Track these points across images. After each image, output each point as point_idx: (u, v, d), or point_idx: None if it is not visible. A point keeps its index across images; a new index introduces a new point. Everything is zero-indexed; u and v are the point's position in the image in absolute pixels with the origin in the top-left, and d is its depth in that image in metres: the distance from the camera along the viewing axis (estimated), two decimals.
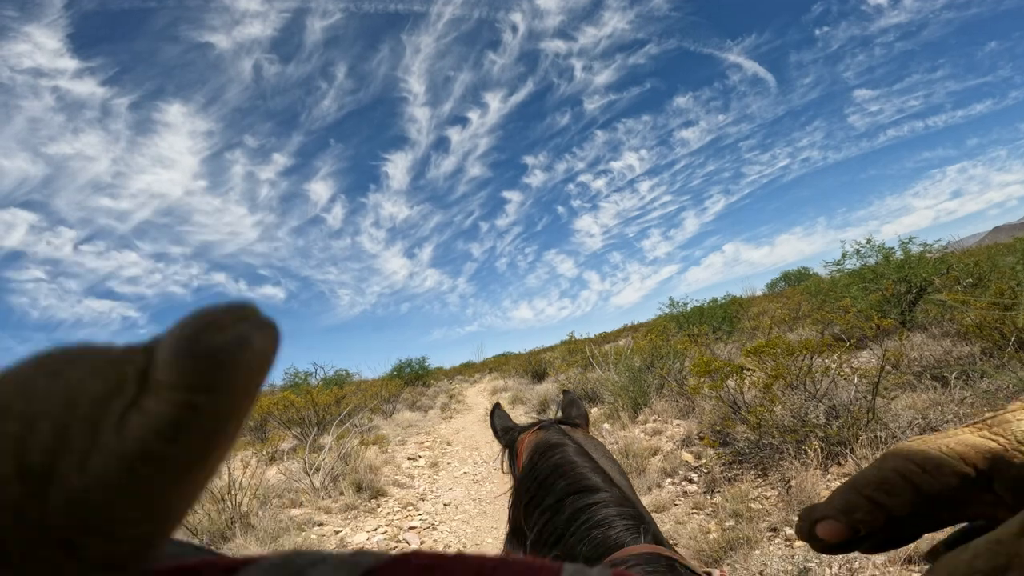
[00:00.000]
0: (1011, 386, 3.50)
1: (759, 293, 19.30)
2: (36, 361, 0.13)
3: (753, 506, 3.17)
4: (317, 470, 5.40)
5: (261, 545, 3.83)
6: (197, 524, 3.99)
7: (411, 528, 4.33)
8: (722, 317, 11.13)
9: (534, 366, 13.10)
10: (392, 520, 4.53)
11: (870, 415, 3.35)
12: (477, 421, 9.14)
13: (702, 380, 4.44)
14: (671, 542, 3.07)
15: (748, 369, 4.40)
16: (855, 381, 3.69)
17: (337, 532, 4.25)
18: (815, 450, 3.27)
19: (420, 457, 6.88)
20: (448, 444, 7.68)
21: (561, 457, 1.00)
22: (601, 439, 5.31)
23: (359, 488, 5.12)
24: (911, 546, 2.27)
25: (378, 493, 5.14)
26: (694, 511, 3.45)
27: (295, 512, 4.69)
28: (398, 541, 4.08)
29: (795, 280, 19.10)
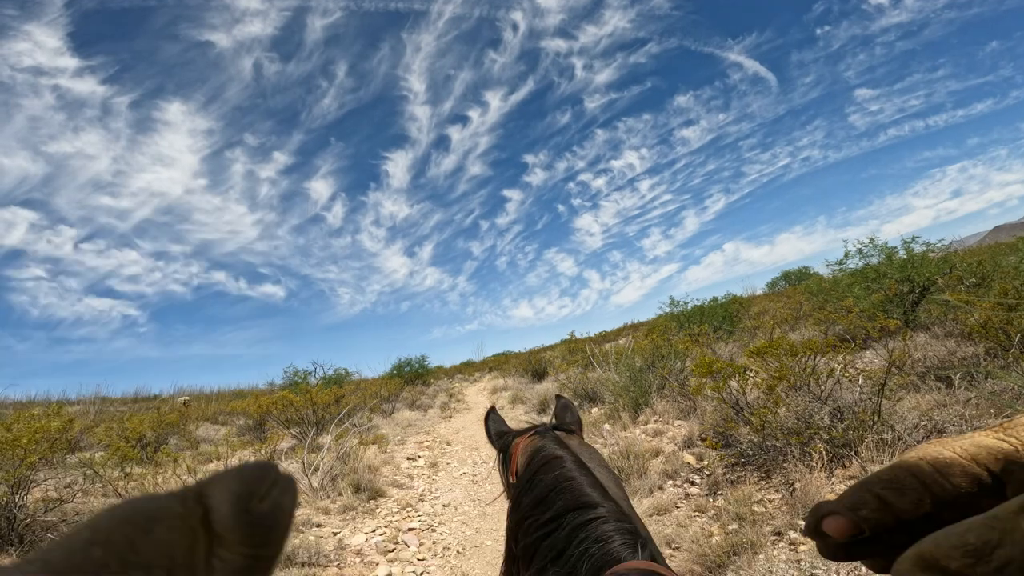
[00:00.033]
0: (1016, 387, 3.45)
1: (760, 292, 19.26)
2: (121, 518, 0.16)
3: (756, 509, 3.13)
4: (316, 470, 5.35)
5: None
6: None
7: (410, 529, 4.28)
8: (723, 316, 11.09)
9: (534, 365, 13.07)
10: (391, 521, 4.49)
11: (876, 417, 3.31)
12: (477, 421, 9.10)
13: (704, 381, 4.39)
14: (673, 546, 3.05)
15: (751, 370, 4.36)
16: (860, 382, 3.64)
17: (335, 533, 4.20)
18: (820, 452, 3.23)
19: (419, 457, 6.85)
20: (448, 444, 7.64)
21: (560, 472, 0.99)
22: (602, 440, 5.27)
23: (358, 489, 5.08)
24: None
25: (377, 494, 5.10)
26: (696, 514, 3.41)
27: None
28: (397, 543, 4.04)
29: (796, 279, 19.01)
